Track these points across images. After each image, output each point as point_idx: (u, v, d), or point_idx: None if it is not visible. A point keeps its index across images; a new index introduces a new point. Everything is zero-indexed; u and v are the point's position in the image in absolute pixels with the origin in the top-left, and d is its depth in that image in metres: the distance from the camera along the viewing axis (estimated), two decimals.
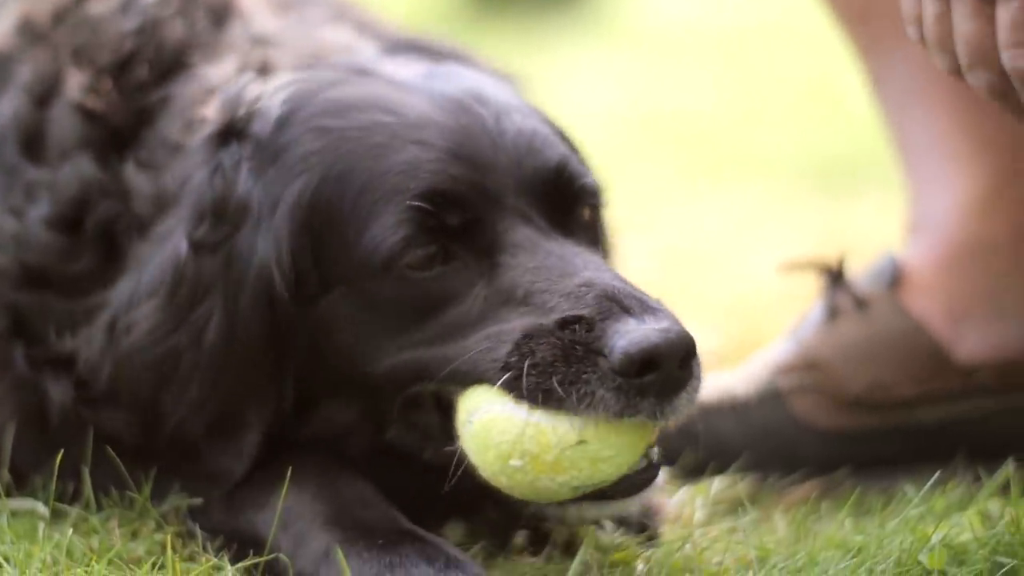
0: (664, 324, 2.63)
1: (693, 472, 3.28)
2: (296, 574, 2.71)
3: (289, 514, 2.75)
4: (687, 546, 2.87)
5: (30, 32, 3.18)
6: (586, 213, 2.88)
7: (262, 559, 2.73)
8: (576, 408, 2.62)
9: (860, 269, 3.54)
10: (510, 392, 2.65)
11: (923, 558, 2.76)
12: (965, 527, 2.86)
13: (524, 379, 2.63)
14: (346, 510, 2.75)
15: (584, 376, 2.62)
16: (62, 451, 2.86)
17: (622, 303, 2.66)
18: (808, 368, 3.47)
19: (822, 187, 6.91)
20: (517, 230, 2.78)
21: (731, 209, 6.55)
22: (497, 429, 2.65)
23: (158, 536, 2.83)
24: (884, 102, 3.53)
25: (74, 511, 2.89)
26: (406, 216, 2.76)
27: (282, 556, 2.73)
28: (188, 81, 3.06)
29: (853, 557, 2.78)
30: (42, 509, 2.90)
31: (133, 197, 2.97)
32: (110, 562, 2.73)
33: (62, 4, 3.20)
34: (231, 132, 2.88)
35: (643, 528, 2.92)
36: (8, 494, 2.94)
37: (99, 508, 2.89)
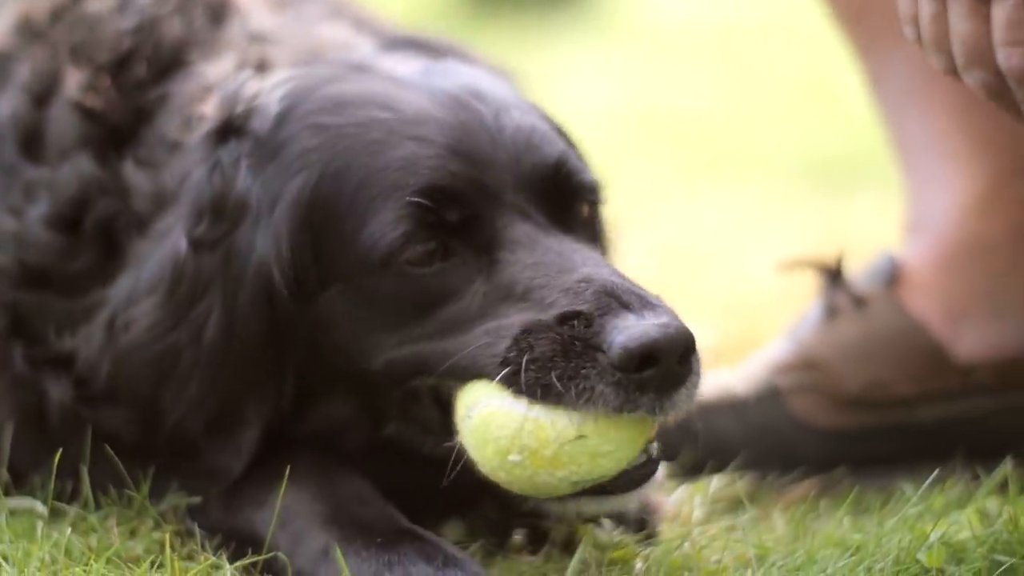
0: (663, 319, 2.63)
1: (692, 470, 3.27)
2: (295, 573, 2.71)
3: (288, 512, 2.75)
4: (686, 544, 2.87)
5: (28, 31, 3.17)
6: (585, 209, 2.88)
7: (261, 558, 2.73)
8: (575, 403, 2.62)
9: (858, 268, 3.54)
10: (509, 387, 2.64)
11: (921, 556, 2.76)
12: (963, 525, 2.86)
13: (523, 374, 2.63)
14: (345, 508, 2.75)
15: (583, 371, 2.62)
16: (61, 450, 2.86)
17: (621, 299, 2.65)
18: (807, 367, 3.47)
19: (821, 186, 6.90)
20: (516, 226, 2.78)
21: (729, 207, 6.54)
22: (496, 424, 2.65)
23: (156, 535, 2.83)
24: (882, 101, 3.53)
25: (73, 510, 2.89)
26: (405, 212, 2.76)
27: (280, 555, 2.73)
28: (186, 79, 3.05)
29: (852, 555, 2.78)
30: (41, 508, 2.90)
31: (132, 195, 2.97)
32: (108, 561, 2.72)
33: (60, 3, 3.19)
34: (229, 129, 2.88)
35: (642, 526, 2.92)
36: (7, 493, 2.94)
37: (97, 507, 2.89)
